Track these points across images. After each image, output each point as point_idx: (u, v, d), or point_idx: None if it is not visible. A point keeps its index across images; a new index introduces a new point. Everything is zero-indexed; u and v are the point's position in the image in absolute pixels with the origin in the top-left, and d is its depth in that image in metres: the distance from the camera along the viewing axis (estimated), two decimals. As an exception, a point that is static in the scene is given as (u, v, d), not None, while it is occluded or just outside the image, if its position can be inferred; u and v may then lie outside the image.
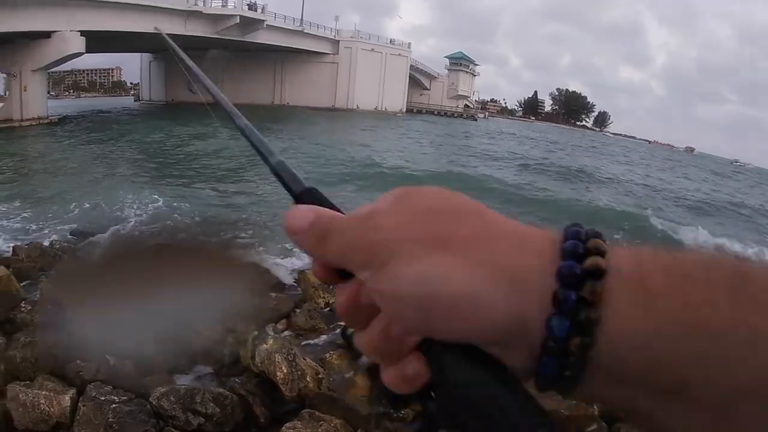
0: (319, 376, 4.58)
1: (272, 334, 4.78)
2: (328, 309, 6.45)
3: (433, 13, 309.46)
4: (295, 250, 9.48)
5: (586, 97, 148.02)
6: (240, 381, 4.62)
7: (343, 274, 0.40)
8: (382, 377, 0.40)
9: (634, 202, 19.48)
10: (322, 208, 0.42)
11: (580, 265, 0.33)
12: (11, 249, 7.88)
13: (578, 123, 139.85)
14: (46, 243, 8.34)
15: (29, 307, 5.39)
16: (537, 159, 30.45)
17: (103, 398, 3.99)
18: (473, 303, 0.33)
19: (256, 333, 5.11)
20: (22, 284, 5.96)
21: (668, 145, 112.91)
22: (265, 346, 4.59)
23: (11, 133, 30.21)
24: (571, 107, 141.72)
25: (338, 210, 0.44)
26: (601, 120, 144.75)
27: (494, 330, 0.33)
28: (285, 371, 4.40)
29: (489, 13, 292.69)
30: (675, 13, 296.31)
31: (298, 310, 6.16)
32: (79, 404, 3.96)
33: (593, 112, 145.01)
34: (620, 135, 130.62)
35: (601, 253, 0.34)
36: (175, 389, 4.34)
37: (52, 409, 3.87)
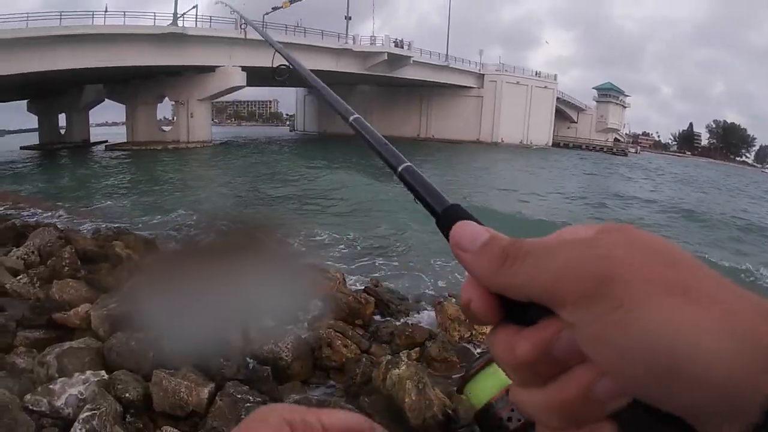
0: (447, 408, 4.48)
1: (405, 360, 4.74)
2: (462, 343, 6.41)
3: (576, 43, 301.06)
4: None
5: (745, 130, 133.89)
6: (369, 401, 4.63)
7: (513, 315, 0.36)
8: None
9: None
10: (494, 230, 0.39)
11: None
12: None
13: (738, 158, 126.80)
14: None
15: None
16: (690, 203, 26.42)
17: (239, 396, 4.13)
18: (715, 363, 0.28)
19: (389, 357, 5.09)
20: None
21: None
22: (397, 371, 4.60)
23: (179, 152, 34.08)
24: (729, 141, 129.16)
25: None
26: (763, 155, 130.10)
27: (722, 396, 0.28)
28: (413, 398, 4.37)
29: (635, 39, 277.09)
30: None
31: (430, 342, 6.03)
32: (217, 398, 4.12)
33: (754, 146, 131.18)
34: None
35: None
36: (308, 398, 4.44)
37: (190, 398, 4.06)
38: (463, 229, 0.39)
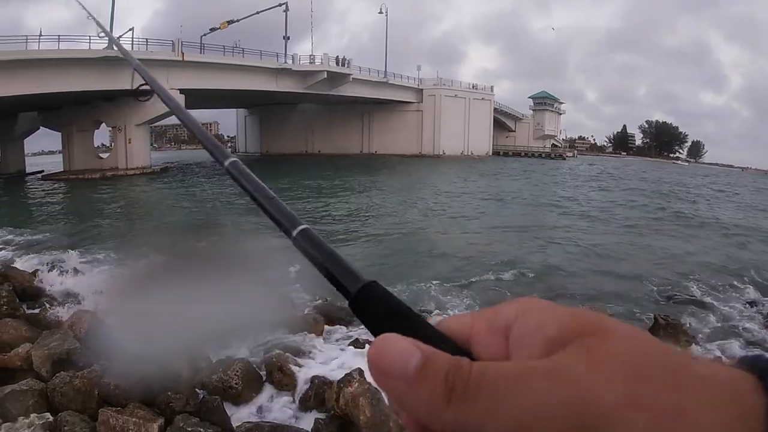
0: (404, 422, 4.48)
1: (357, 377, 4.78)
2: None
3: (501, 55, 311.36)
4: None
5: (677, 128, 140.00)
6: (323, 420, 4.62)
7: None
8: None
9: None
10: (426, 346, 0.30)
11: None
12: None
13: (671, 155, 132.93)
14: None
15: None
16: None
17: (190, 429, 4.09)
18: None
19: (341, 376, 5.13)
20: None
21: (764, 170, 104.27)
22: (349, 389, 4.60)
23: (118, 180, 32.92)
24: (662, 139, 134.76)
25: (416, 315, 0.33)
26: (695, 150, 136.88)
27: None
28: (368, 415, 4.36)
29: (556, 49, 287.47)
30: (741, 28, 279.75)
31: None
32: (167, 432, 4.06)
33: (686, 142, 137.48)
34: (704, 164, 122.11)
35: None
36: (260, 425, 4.40)
37: (139, 435, 3.98)
38: (385, 346, 0.29)
